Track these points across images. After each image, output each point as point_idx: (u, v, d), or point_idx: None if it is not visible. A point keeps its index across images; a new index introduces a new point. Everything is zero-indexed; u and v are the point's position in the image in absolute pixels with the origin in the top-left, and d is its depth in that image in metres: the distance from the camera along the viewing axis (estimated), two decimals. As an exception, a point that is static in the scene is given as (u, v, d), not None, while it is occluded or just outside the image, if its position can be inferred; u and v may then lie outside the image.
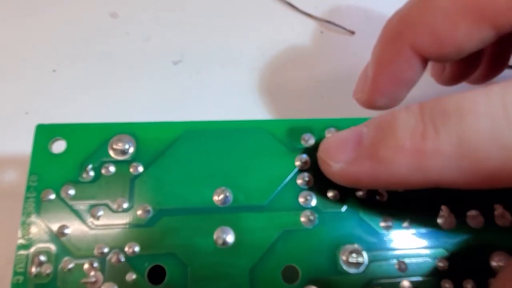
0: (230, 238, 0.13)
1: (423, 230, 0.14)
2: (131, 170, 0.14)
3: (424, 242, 0.14)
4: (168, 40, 0.22)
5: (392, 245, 0.14)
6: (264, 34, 0.23)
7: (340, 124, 0.15)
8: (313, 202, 0.14)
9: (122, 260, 0.13)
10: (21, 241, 0.13)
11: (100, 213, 0.13)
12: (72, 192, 0.14)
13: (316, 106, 0.20)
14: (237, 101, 0.20)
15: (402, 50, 0.15)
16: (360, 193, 0.14)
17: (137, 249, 0.13)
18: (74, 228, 0.13)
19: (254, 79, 0.21)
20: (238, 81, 0.21)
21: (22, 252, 0.13)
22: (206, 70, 0.21)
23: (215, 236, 0.13)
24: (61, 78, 0.21)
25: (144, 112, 0.20)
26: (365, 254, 0.14)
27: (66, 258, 0.13)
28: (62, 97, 0.20)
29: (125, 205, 0.14)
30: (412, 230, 0.14)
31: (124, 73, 0.21)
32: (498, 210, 0.14)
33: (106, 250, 0.13)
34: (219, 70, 0.21)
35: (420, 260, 0.14)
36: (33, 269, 0.13)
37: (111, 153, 0.14)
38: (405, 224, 0.14)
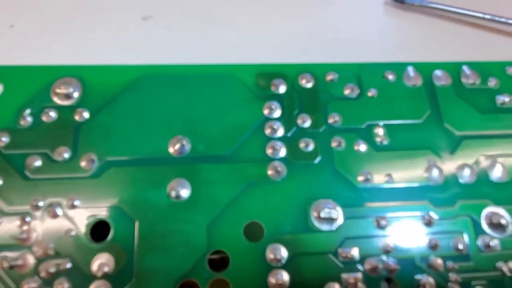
0: (185, 192, 0.12)
1: (407, 185, 0.12)
2: (75, 116, 0.12)
3: (408, 197, 0.12)
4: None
5: (371, 200, 0.12)
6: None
7: (315, 70, 0.14)
8: (282, 153, 0.12)
9: (60, 214, 0.11)
10: None
11: (38, 163, 0.12)
12: (6, 139, 0.12)
13: (292, 54, 0.18)
14: (210, 55, 0.18)
15: None
16: (335, 144, 0.13)
17: (77, 202, 0.11)
18: (6, 178, 0.12)
19: (231, 33, 0.19)
20: (212, 37, 0.19)
21: None
22: (179, 26, 0.20)
23: (168, 189, 0.12)
24: (20, 31, 0.19)
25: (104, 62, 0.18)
26: (339, 209, 0.12)
27: (-5, 212, 0.11)
28: (20, 53, 0.19)
29: (67, 155, 0.12)
30: (395, 184, 0.12)
31: (88, 27, 0.19)
32: (488, 163, 0.13)
33: (42, 203, 0.11)
34: (191, 27, 0.20)
35: (402, 215, 0.12)
36: (-44, 224, 0.11)
37: (54, 98, 0.13)
38: (387, 177, 0.12)
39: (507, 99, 0.14)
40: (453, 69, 0.14)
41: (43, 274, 0.11)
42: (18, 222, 0.11)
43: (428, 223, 0.12)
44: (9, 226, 0.11)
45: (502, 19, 0.17)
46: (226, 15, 0.18)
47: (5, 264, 0.11)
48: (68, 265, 0.11)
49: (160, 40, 0.17)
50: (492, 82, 0.14)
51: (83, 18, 0.18)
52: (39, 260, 0.11)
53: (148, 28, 0.19)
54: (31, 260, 0.11)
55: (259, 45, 0.17)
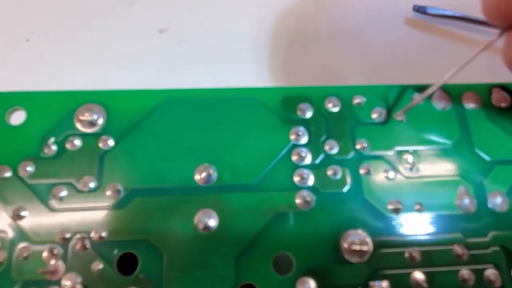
0: (213, 222, 0.12)
1: (438, 213, 0.12)
2: (100, 144, 0.12)
3: (440, 227, 0.12)
4: (154, 6, 0.20)
5: (402, 230, 0.12)
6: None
7: (341, 93, 0.13)
8: (310, 181, 0.12)
9: (88, 246, 0.11)
10: (-30, 225, 0.11)
11: (63, 193, 0.12)
12: (31, 169, 0.12)
13: (317, 76, 0.17)
14: (229, 71, 0.18)
15: None
16: (363, 171, 0.12)
17: (104, 234, 0.11)
18: (33, 210, 0.11)
19: (248, 48, 0.19)
20: (230, 51, 0.19)
21: (-29, 237, 0.11)
22: (195, 39, 0.19)
23: (195, 220, 0.12)
24: (36, 48, 0.19)
25: (126, 83, 0.18)
26: (370, 241, 0.12)
27: (22, 245, 0.11)
28: (36, 68, 0.18)
29: (92, 184, 0.12)
30: (425, 214, 0.12)
31: (104, 41, 0.19)
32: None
33: (69, 235, 0.11)
34: (209, 39, 0.19)
35: (434, 248, 0.12)
36: (-16, 257, 0.11)
37: (78, 125, 0.12)
38: (417, 206, 0.12)
39: (540, 122, 0.13)
40: (484, 90, 0.14)
41: (72, 309, 0.11)
42: (45, 254, 0.11)
43: (460, 254, 0.12)
44: (36, 259, 0.11)
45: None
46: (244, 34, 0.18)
47: (34, 300, 0.11)
48: (97, 300, 0.11)
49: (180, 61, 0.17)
50: (525, 104, 0.14)
51: (97, 34, 0.18)
52: (68, 295, 0.11)
53: (166, 45, 0.19)
54: (59, 295, 0.11)
55: (283, 68, 0.16)
